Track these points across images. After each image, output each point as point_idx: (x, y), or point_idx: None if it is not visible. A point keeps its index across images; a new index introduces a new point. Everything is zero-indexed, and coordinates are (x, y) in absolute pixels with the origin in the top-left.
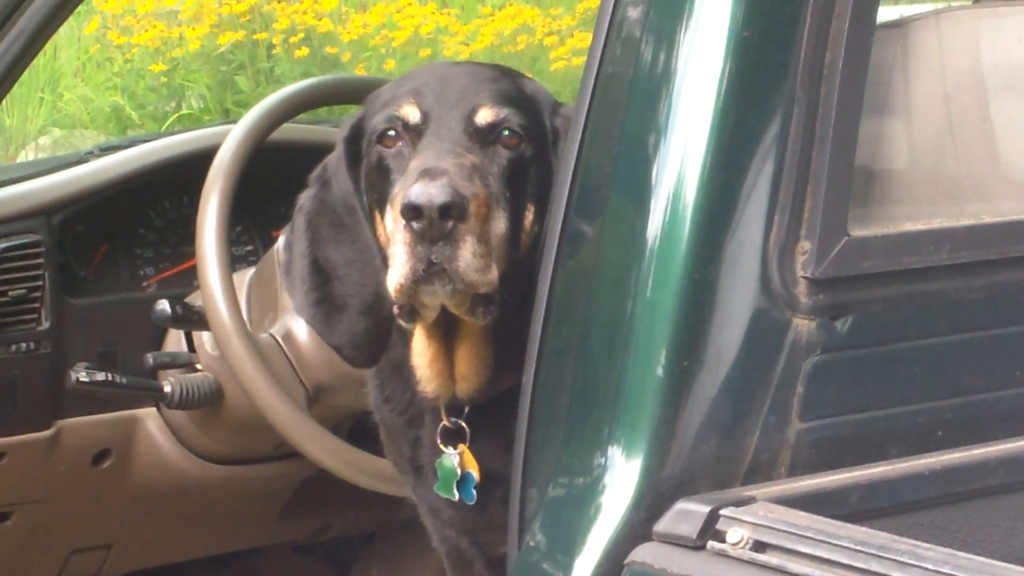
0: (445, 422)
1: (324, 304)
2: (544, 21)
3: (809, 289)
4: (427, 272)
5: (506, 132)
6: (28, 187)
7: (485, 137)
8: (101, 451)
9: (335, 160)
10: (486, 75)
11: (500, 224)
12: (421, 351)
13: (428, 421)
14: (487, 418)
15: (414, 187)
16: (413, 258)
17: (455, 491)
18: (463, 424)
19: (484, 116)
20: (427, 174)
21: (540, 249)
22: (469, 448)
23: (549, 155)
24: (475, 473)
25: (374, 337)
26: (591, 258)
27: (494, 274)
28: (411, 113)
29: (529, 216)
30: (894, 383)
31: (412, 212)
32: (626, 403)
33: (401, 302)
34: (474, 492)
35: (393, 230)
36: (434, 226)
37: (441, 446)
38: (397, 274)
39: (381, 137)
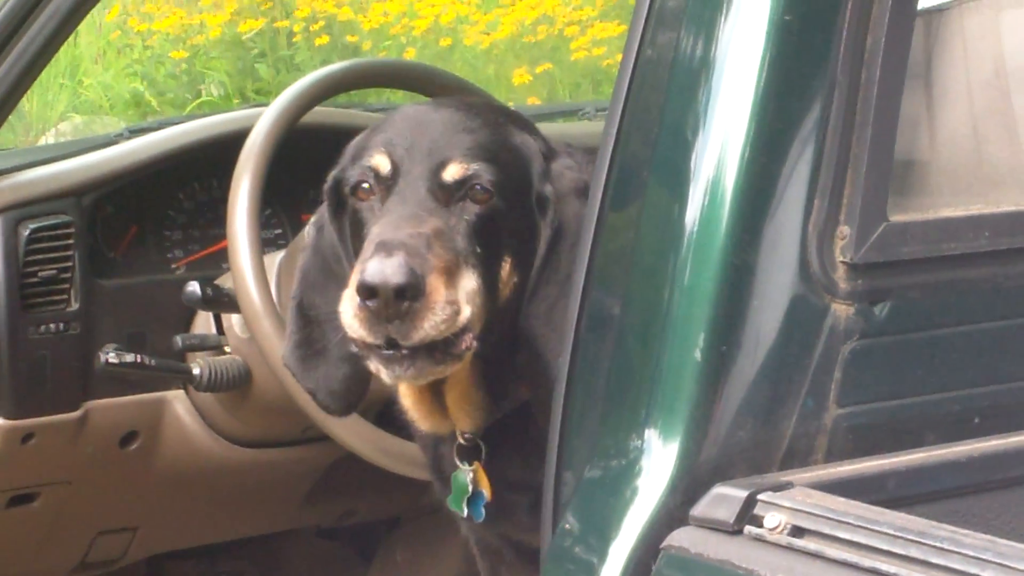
0: (460, 440)
1: (303, 347)
2: (565, 11)
3: (848, 274)
4: (386, 345)
5: (477, 187)
6: (59, 168)
7: (454, 192)
8: (129, 433)
9: (324, 208)
10: (463, 124)
11: (470, 282)
12: (405, 394)
13: (448, 436)
14: (507, 430)
15: (370, 264)
16: (371, 335)
17: (464, 507)
18: (479, 442)
19: (452, 173)
20: (383, 248)
21: (527, 295)
22: (488, 461)
23: (530, 208)
24: (487, 492)
25: (350, 385)
26: (629, 242)
27: (456, 331)
28: (382, 165)
29: (506, 268)
30: (932, 370)
31: (368, 291)
32: (663, 386)
33: None
34: (483, 511)
35: (350, 302)
36: (390, 306)
37: (457, 461)
38: (358, 344)
39: (355, 189)
